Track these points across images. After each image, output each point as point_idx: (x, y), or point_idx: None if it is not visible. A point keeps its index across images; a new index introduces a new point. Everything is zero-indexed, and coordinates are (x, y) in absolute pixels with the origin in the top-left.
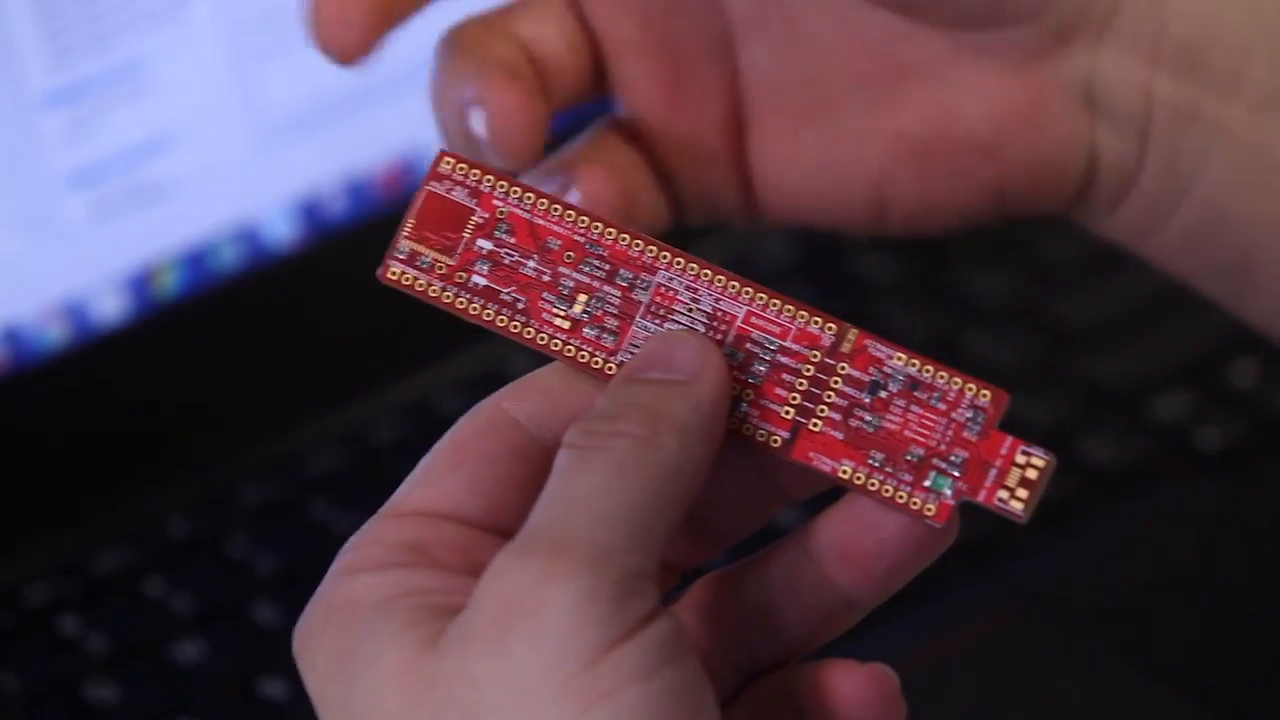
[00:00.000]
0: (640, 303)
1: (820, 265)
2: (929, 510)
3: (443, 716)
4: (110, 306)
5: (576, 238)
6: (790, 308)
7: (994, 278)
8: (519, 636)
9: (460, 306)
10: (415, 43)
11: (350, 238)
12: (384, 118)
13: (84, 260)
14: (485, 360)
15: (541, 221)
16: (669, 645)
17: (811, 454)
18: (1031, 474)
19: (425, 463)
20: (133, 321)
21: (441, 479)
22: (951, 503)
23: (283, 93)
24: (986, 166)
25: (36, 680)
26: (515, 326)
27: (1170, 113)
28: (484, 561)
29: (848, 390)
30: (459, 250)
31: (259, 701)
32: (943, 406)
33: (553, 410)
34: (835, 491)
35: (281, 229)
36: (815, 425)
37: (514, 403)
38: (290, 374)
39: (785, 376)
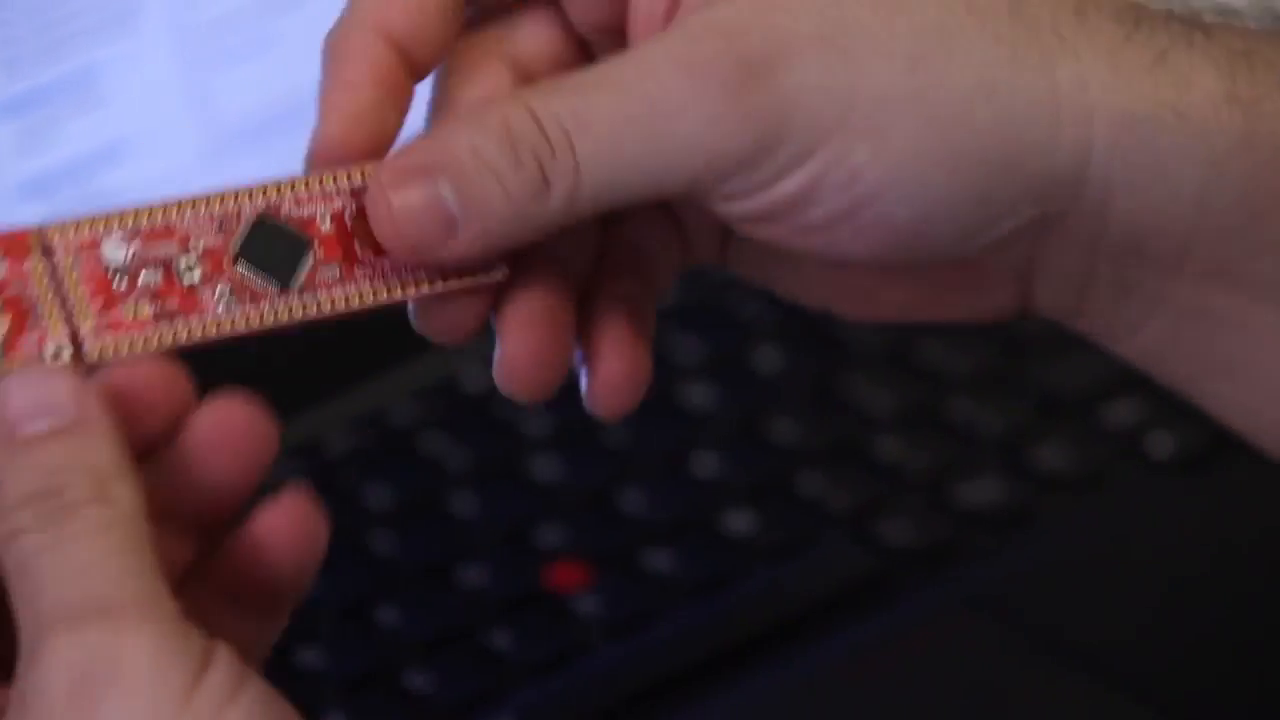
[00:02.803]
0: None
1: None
2: None
3: None
4: None
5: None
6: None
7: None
8: (110, 702)
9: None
10: None
11: None
12: None
13: None
14: (437, 368)
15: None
16: (236, 662)
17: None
18: None
19: None
20: None
21: None
22: None
23: (235, 103)
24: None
25: None
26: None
27: (1108, 287)
28: None
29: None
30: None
31: None
32: None
33: None
34: None
35: None
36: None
37: None
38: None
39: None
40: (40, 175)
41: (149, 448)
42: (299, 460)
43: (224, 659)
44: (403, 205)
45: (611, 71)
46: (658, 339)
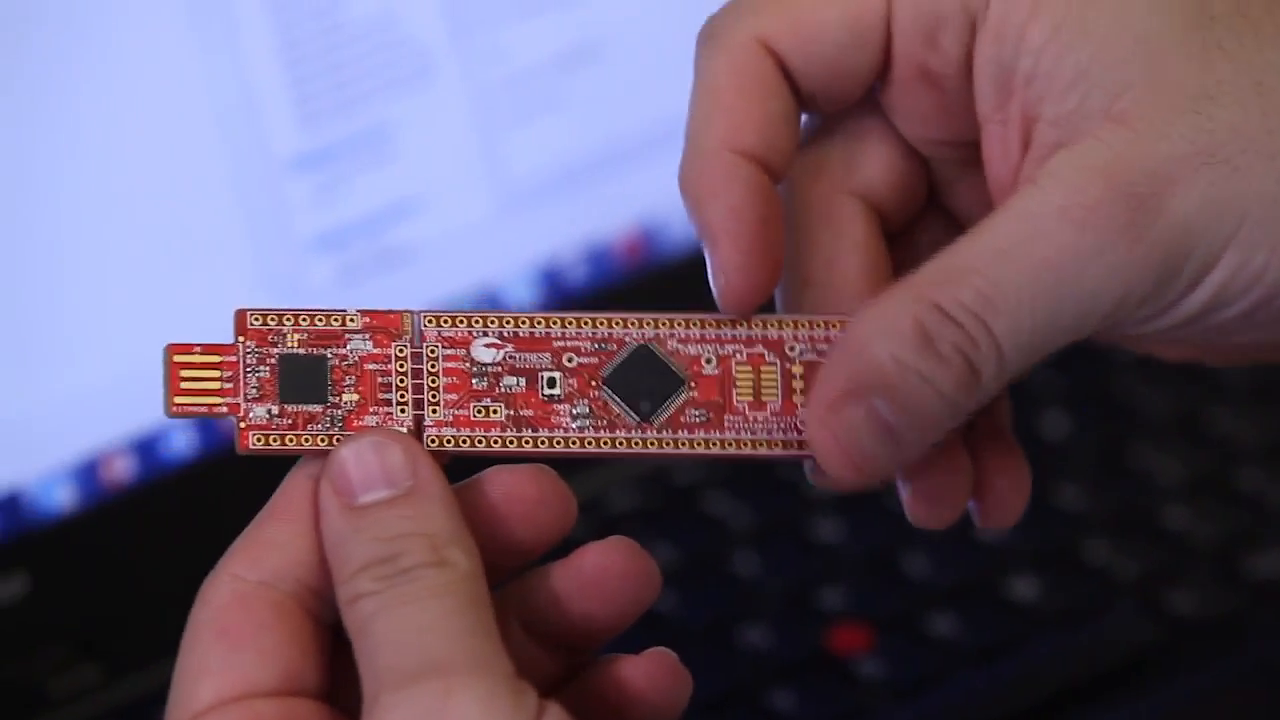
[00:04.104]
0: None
1: None
2: None
3: None
4: None
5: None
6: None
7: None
8: None
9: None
10: (659, 113)
11: (590, 303)
12: (625, 186)
13: None
14: None
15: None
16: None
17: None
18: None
19: (193, 657)
20: None
21: (225, 665)
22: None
23: (526, 159)
24: None
25: None
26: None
27: None
28: None
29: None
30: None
31: None
32: None
33: (289, 561)
34: None
35: (523, 294)
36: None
37: (249, 567)
38: None
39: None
40: (334, 229)
41: (525, 556)
42: (583, 516)
43: (556, 716)
44: (845, 435)
45: (1001, 240)
46: None
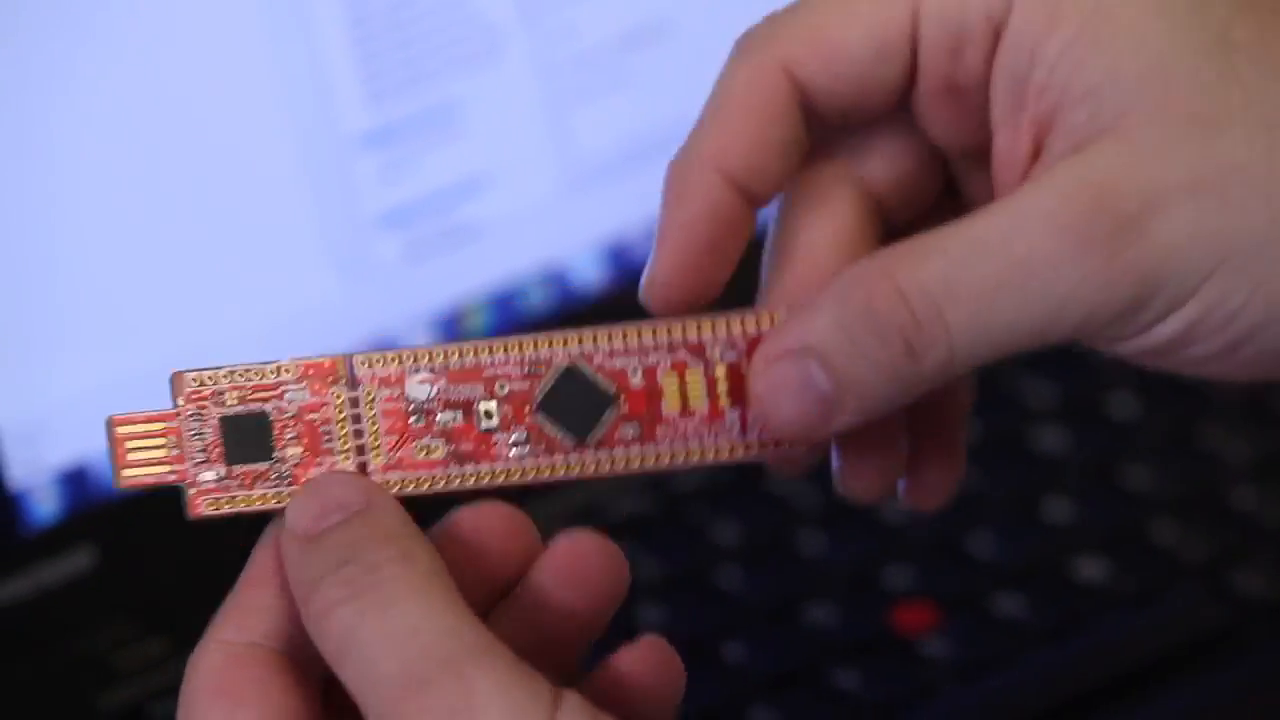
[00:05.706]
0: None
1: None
2: None
3: None
4: None
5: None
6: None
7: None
8: None
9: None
10: None
11: None
12: None
13: (396, 300)
14: None
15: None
16: (589, 706)
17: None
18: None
19: None
20: None
21: None
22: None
23: (593, 137)
24: None
25: None
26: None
27: None
28: None
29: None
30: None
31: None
32: None
33: (275, 622)
34: None
35: (589, 272)
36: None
37: (236, 632)
38: None
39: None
40: (401, 206)
41: (499, 590)
42: (650, 495)
43: (574, 701)
44: (776, 389)
45: (981, 232)
46: (1013, 382)
